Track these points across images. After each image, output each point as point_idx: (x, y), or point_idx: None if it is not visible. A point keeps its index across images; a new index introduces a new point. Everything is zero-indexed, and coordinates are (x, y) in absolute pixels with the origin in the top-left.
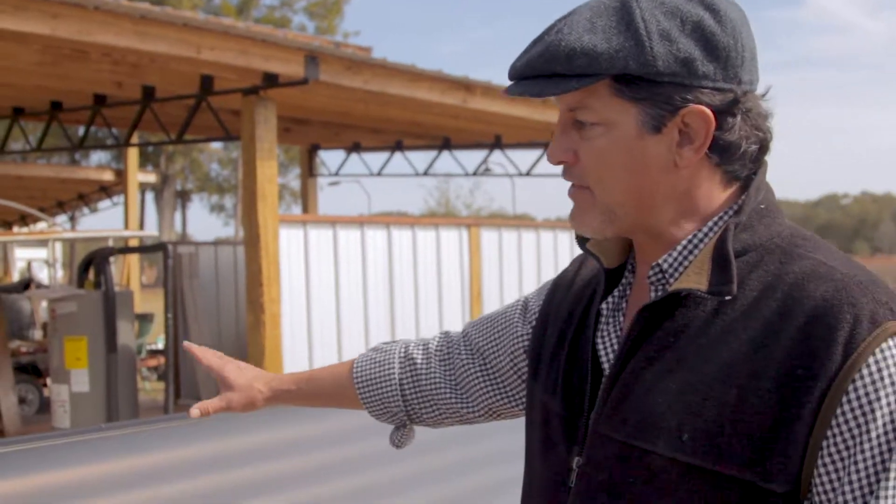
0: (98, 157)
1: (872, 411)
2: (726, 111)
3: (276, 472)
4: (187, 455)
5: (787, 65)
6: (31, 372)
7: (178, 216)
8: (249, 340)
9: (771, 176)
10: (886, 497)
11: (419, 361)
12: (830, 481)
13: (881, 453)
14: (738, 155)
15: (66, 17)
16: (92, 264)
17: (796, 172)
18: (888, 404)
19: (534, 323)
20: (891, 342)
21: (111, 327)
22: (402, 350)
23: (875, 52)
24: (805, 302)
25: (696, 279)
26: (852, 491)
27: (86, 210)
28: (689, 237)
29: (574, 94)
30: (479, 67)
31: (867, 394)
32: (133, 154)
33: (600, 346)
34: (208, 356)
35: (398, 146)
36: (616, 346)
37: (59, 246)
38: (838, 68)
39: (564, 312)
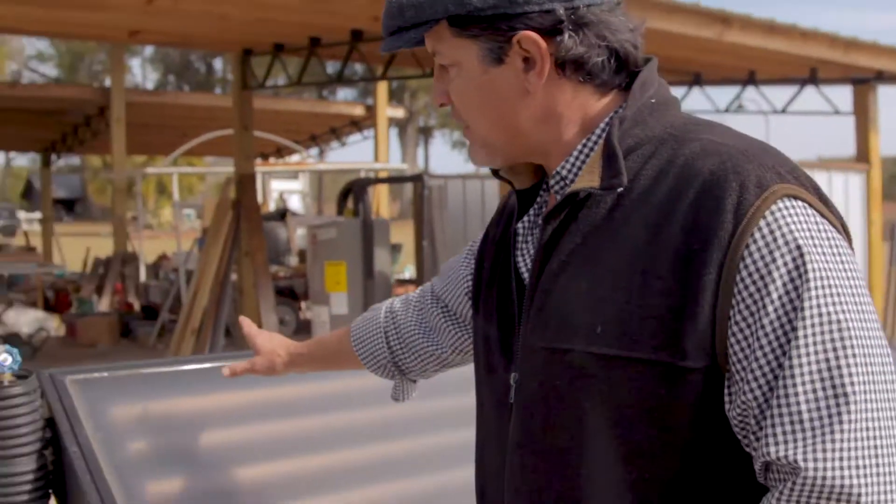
0: (344, 93)
1: (769, 273)
2: (556, 31)
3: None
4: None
5: None
6: (289, 295)
7: (419, 152)
8: None
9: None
10: (799, 356)
11: (399, 312)
12: (742, 349)
13: (786, 313)
14: (591, 67)
15: None
16: (351, 193)
17: None
18: (784, 264)
19: (474, 260)
20: (780, 204)
21: (368, 254)
22: (389, 304)
23: None
24: (694, 179)
25: (588, 178)
26: (765, 355)
27: (334, 144)
28: (583, 142)
29: (428, 41)
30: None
31: (762, 257)
32: (383, 90)
33: (521, 263)
34: (247, 325)
35: None
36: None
37: (307, 178)
38: None
39: (495, 243)
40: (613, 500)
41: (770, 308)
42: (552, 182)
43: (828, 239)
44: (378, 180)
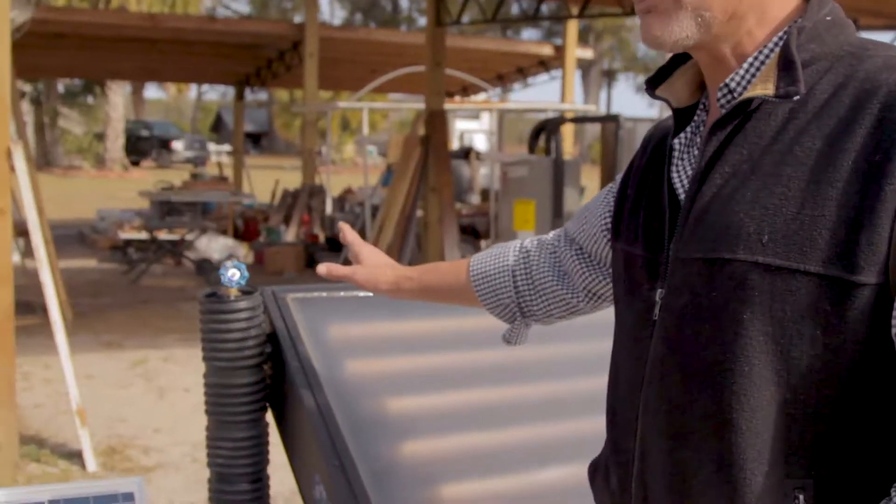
0: (528, 33)
1: None
2: None
3: None
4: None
5: None
6: (470, 233)
7: (602, 94)
8: None
9: None
10: None
11: (533, 253)
12: None
13: None
14: None
15: None
16: (543, 131)
17: None
18: None
19: (615, 194)
20: None
21: (558, 193)
22: (519, 244)
23: None
24: (877, 91)
25: (762, 87)
26: None
27: (515, 86)
28: (755, 54)
29: None
30: None
31: None
32: (573, 29)
33: (675, 180)
34: (349, 232)
35: None
36: (692, 174)
37: (487, 118)
38: None
39: (641, 170)
40: (763, 420)
41: None
42: (719, 95)
43: None
44: (572, 119)
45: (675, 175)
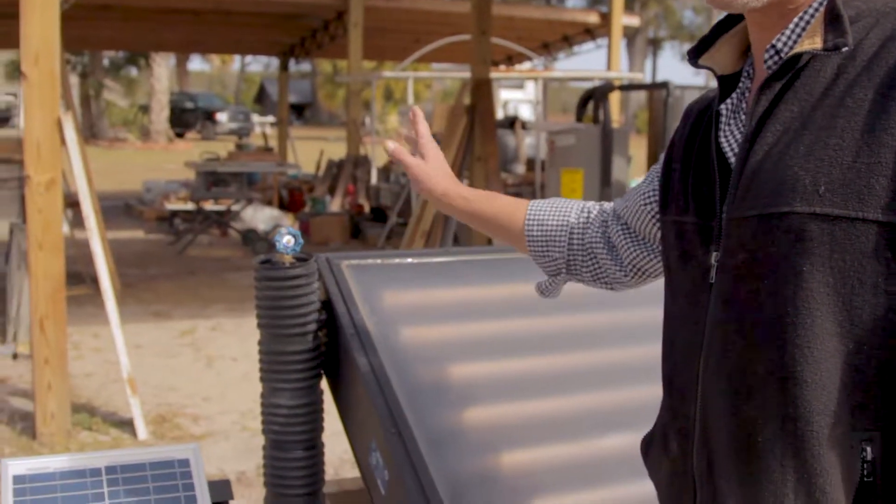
0: (574, 1)
1: None
2: None
3: None
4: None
5: None
6: None
7: (647, 63)
8: None
9: None
10: None
11: (594, 217)
12: None
13: None
14: None
15: None
16: (591, 100)
17: None
18: None
19: (658, 171)
20: None
21: (606, 162)
22: (582, 204)
23: None
24: None
25: (809, 42)
26: None
27: (560, 55)
28: (800, 14)
29: None
30: None
31: None
32: None
33: (724, 144)
34: (422, 124)
35: None
36: (740, 138)
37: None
38: None
39: (685, 140)
40: (828, 372)
41: None
42: (766, 57)
43: None
44: (621, 87)
45: (723, 139)
